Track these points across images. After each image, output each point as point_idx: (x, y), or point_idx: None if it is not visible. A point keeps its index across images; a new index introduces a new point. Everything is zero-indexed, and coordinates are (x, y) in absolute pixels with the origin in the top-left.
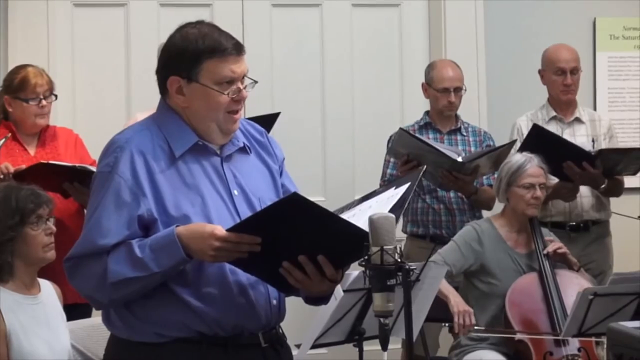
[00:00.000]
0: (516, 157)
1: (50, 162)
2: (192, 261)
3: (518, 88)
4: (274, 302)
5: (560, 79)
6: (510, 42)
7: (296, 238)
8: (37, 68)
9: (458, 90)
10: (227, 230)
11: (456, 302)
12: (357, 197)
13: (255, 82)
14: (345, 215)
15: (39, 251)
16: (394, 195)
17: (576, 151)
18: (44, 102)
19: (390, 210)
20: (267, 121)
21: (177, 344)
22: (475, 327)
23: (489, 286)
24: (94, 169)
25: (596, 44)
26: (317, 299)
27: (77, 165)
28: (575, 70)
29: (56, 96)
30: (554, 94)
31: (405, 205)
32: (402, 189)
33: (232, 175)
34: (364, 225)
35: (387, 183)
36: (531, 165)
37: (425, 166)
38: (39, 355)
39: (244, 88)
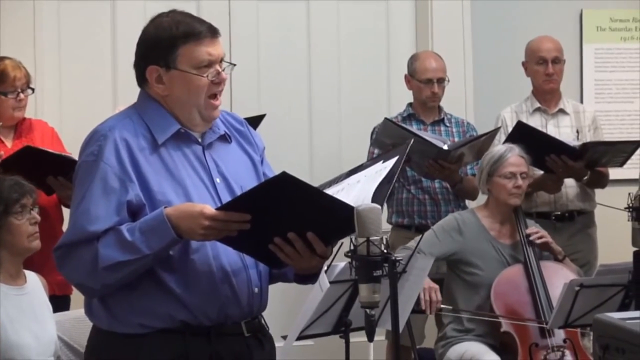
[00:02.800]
0: (497, 148)
1: (38, 147)
2: (176, 247)
3: (504, 80)
4: (256, 290)
5: (542, 69)
6: (497, 34)
7: (285, 216)
8: (15, 61)
9: (441, 81)
10: (217, 209)
11: None
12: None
13: (233, 65)
14: (332, 190)
15: (24, 241)
16: (382, 169)
17: (559, 146)
18: (21, 95)
19: (379, 185)
20: (252, 123)
21: (160, 334)
22: (443, 306)
23: (473, 277)
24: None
25: (583, 36)
26: (306, 277)
27: (63, 154)
28: (557, 60)
29: (33, 89)
30: (537, 84)
31: (394, 180)
32: (390, 162)
33: (214, 164)
34: (352, 200)
35: (374, 158)
36: (512, 154)
37: (412, 139)
38: (25, 346)
39: (223, 70)
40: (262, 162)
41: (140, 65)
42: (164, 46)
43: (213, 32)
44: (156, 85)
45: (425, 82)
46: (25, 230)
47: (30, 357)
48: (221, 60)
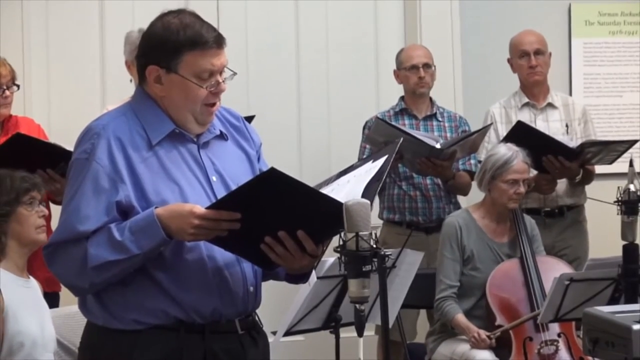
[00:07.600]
0: (502, 151)
1: (29, 135)
2: (171, 246)
3: (493, 75)
4: (251, 288)
5: (526, 62)
6: (486, 29)
7: (275, 214)
8: None
9: (427, 66)
10: (207, 208)
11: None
12: None
13: (235, 73)
14: (323, 191)
15: (32, 232)
16: (371, 168)
17: (558, 147)
18: (7, 92)
19: (369, 183)
20: None
21: (154, 331)
22: (488, 334)
23: (469, 278)
24: (69, 148)
25: (571, 30)
26: (298, 276)
27: (53, 143)
28: (539, 52)
29: (18, 86)
30: (523, 78)
31: (384, 178)
32: (380, 161)
33: (209, 162)
34: (342, 199)
35: (364, 158)
36: (517, 161)
37: (402, 138)
38: (32, 333)
39: (223, 81)
40: (258, 158)
41: (141, 62)
42: (169, 49)
43: (219, 43)
44: (154, 85)
45: (410, 69)
46: (34, 222)
47: (36, 345)
48: (223, 69)
